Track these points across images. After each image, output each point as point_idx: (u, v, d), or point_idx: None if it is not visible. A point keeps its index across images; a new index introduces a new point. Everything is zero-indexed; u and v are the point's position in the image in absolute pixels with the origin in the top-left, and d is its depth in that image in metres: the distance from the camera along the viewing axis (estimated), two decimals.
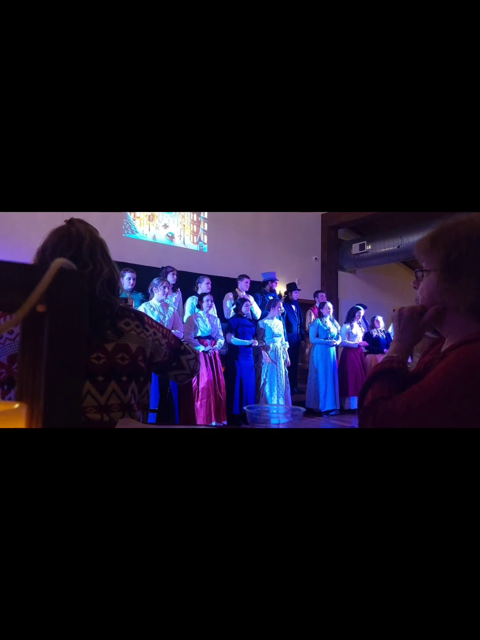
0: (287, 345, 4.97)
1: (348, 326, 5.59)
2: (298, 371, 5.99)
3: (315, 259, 7.87)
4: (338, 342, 5.41)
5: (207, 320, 4.21)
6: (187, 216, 6.44)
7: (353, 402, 5.45)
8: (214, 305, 4.43)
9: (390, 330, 5.81)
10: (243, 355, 4.47)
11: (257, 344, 4.58)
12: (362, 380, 0.85)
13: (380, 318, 5.78)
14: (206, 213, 6.51)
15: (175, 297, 4.65)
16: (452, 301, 0.77)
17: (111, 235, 5.32)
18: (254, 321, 4.72)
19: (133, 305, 3.74)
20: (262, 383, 4.68)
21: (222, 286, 5.76)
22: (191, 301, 4.52)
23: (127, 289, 4.12)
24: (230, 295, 5.09)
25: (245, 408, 0.71)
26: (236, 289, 5.15)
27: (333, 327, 5.41)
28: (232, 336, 4.41)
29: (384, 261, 7.61)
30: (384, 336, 5.70)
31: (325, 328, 5.35)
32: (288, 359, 4.93)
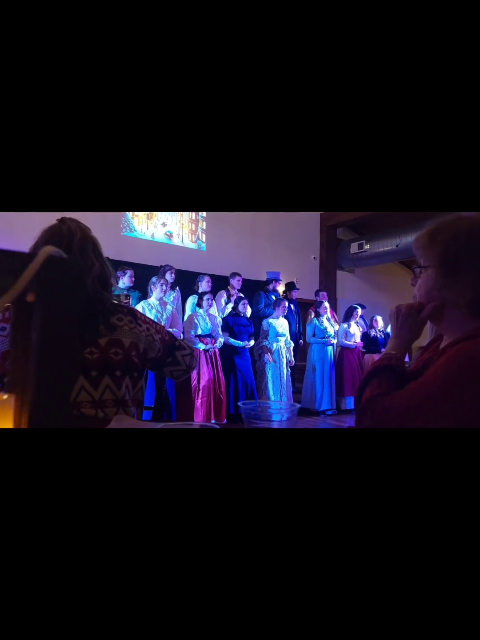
0: (292, 345, 4.98)
1: (345, 325, 5.59)
2: (296, 370, 5.99)
3: (314, 258, 7.87)
4: (335, 342, 5.42)
5: (207, 319, 4.20)
6: (186, 215, 6.42)
7: (349, 402, 5.45)
8: (214, 304, 4.42)
9: (388, 329, 5.81)
10: (239, 354, 4.47)
11: (251, 345, 4.58)
12: (360, 380, 0.84)
13: (379, 318, 5.78)
14: (204, 212, 6.50)
15: (173, 296, 4.64)
16: (450, 297, 0.76)
17: (109, 233, 5.30)
18: (250, 320, 4.71)
19: (130, 302, 3.73)
20: (264, 382, 4.69)
21: (220, 285, 5.75)
22: (191, 300, 4.51)
23: (125, 287, 4.12)
24: (223, 293, 5.08)
25: (239, 403, 0.70)
26: (228, 287, 5.14)
27: (330, 327, 5.42)
28: (228, 336, 4.41)
29: (382, 261, 7.61)
30: (382, 336, 5.69)
31: (322, 327, 5.36)
32: (292, 359, 4.95)
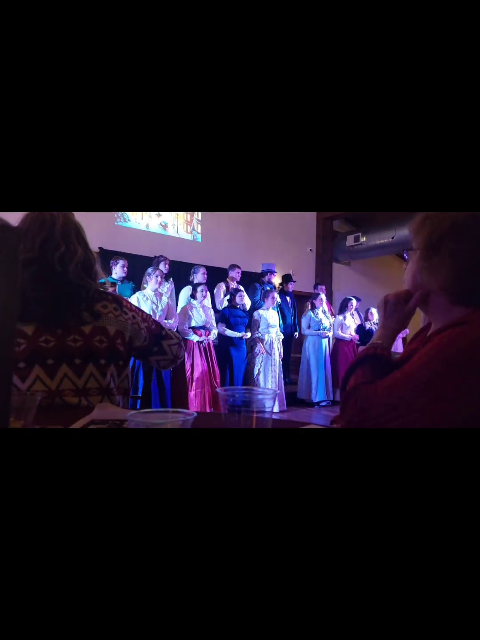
0: (282, 337, 4.99)
1: (340, 317, 5.60)
2: (290, 362, 6.00)
3: (310, 250, 7.85)
4: (330, 334, 5.43)
5: (201, 311, 4.18)
6: None
7: None
8: (208, 296, 4.40)
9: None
10: (235, 346, 4.47)
11: (249, 336, 4.58)
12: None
13: (374, 310, 5.78)
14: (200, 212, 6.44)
15: (167, 287, 4.62)
16: (427, 280, 0.76)
17: (103, 223, 5.26)
18: (247, 312, 4.71)
19: (116, 290, 3.68)
20: (256, 373, 4.71)
21: (215, 276, 5.73)
22: (186, 291, 4.49)
23: (119, 277, 4.08)
24: (221, 285, 5.06)
25: (217, 390, 0.68)
26: (227, 279, 5.12)
27: (325, 319, 5.43)
28: (224, 327, 4.40)
29: (378, 253, 7.60)
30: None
31: (317, 319, 5.36)
32: (282, 351, 4.95)
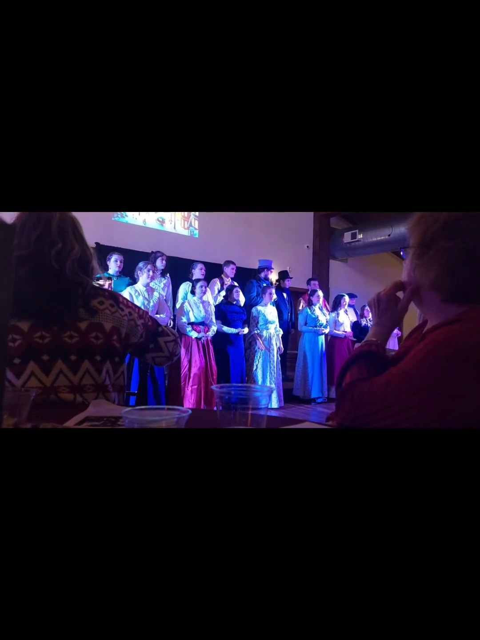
0: (281, 332, 5.00)
1: (334, 314, 5.61)
2: (287, 359, 6.01)
3: (307, 247, 7.85)
4: (326, 331, 5.43)
5: (200, 307, 4.18)
6: None
7: None
8: (208, 291, 4.39)
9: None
10: (232, 343, 4.46)
11: (246, 332, 4.58)
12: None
13: None
14: (198, 212, 6.42)
15: (164, 282, 4.60)
16: (421, 277, 0.76)
17: (101, 218, 5.24)
18: (243, 308, 4.70)
19: (111, 286, 3.65)
20: (254, 368, 4.72)
21: (212, 272, 5.73)
22: (184, 287, 4.48)
23: (114, 273, 4.06)
24: (216, 281, 5.05)
25: (213, 387, 0.68)
26: (222, 275, 5.12)
27: (322, 316, 5.43)
28: (221, 323, 4.40)
29: (375, 250, 7.61)
30: None
31: (313, 316, 5.37)
32: (281, 346, 4.97)
